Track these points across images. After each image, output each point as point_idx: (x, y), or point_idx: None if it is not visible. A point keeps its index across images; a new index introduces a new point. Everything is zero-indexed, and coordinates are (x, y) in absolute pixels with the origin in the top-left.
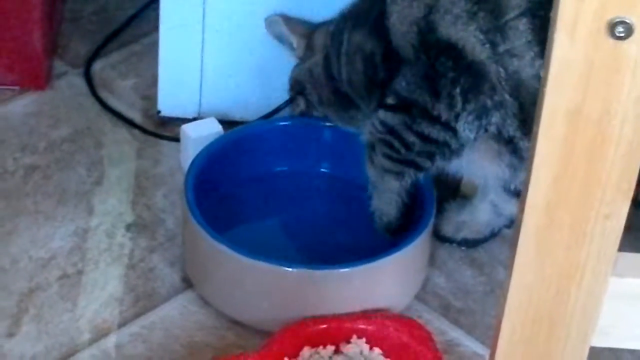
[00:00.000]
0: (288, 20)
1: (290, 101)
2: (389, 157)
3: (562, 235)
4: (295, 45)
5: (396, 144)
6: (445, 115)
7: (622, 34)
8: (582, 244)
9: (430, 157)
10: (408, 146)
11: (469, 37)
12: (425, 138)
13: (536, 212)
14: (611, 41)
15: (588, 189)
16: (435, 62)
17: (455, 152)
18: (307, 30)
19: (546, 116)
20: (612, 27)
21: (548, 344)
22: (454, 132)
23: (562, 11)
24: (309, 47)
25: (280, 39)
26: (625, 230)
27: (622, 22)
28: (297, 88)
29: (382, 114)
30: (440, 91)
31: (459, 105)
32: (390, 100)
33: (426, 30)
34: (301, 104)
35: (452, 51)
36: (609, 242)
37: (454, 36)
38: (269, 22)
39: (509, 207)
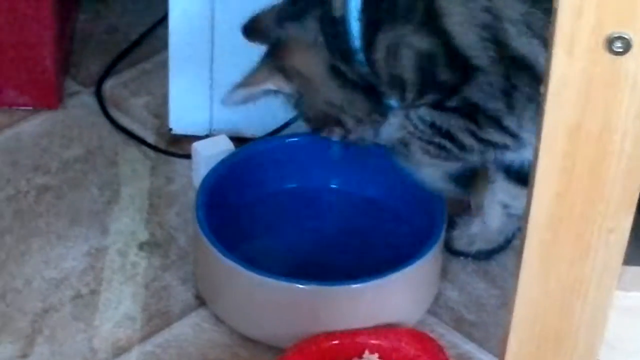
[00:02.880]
0: (240, 82)
1: (318, 131)
2: (437, 157)
3: (566, 250)
4: (275, 87)
5: (449, 145)
6: (514, 126)
7: (620, 49)
8: (586, 258)
9: (483, 155)
10: (464, 148)
11: (534, 50)
12: (486, 142)
13: (540, 228)
14: (609, 56)
15: (591, 204)
16: (511, 74)
17: (513, 151)
18: (268, 65)
19: (547, 132)
20: (610, 42)
21: (555, 358)
22: (517, 137)
23: (559, 27)
24: (290, 77)
25: (254, 98)
26: (630, 244)
27: (620, 38)
28: (321, 122)
29: (432, 115)
30: (515, 105)
31: (529, 119)
32: (452, 103)
33: (496, 40)
34: (336, 131)
35: (525, 65)
36: (613, 256)
37: (522, 50)
38: (229, 100)
39: (520, 203)
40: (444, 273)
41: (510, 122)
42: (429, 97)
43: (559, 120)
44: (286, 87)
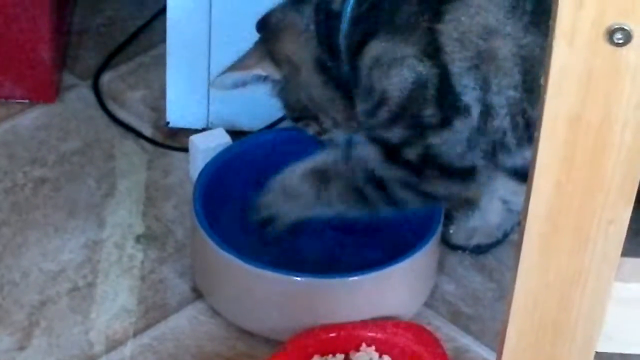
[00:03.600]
0: (230, 66)
1: (295, 121)
2: (350, 205)
3: (566, 241)
4: (264, 72)
5: (375, 196)
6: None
7: (620, 41)
8: (585, 249)
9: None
10: (394, 202)
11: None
12: (427, 195)
13: (539, 219)
14: (610, 48)
15: (590, 195)
16: (487, 120)
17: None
18: (259, 50)
19: (547, 123)
20: (610, 33)
21: (553, 349)
22: (471, 182)
23: (560, 18)
24: (280, 63)
25: (244, 84)
26: (629, 235)
27: (621, 29)
28: (299, 113)
29: (379, 164)
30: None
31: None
32: (410, 155)
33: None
34: (312, 126)
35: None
36: (612, 247)
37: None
38: (219, 84)
39: (520, 199)
40: (440, 266)
41: (473, 161)
42: (396, 132)
43: (559, 111)
44: (275, 73)
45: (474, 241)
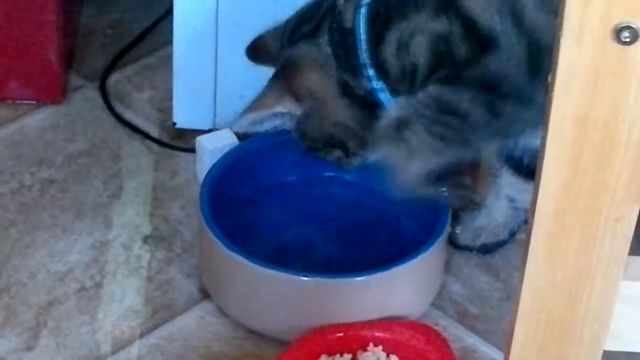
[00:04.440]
0: (250, 107)
1: (314, 151)
2: (443, 138)
3: (573, 240)
4: (285, 109)
5: (457, 123)
6: (538, 96)
7: (628, 39)
8: (592, 248)
9: (494, 136)
10: (476, 125)
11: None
12: (503, 117)
13: (546, 217)
14: (617, 46)
15: (597, 193)
16: (530, 43)
17: (527, 131)
18: (277, 88)
19: (554, 121)
20: (617, 32)
21: (561, 348)
22: (534, 106)
23: (567, 16)
24: (301, 97)
25: (262, 122)
26: (636, 234)
27: (628, 27)
28: (321, 143)
29: (441, 91)
30: (539, 73)
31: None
32: (467, 76)
33: (514, 13)
34: (335, 153)
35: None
36: (619, 246)
37: (539, 23)
38: (240, 126)
39: (526, 197)
40: (447, 266)
41: (535, 92)
42: (441, 73)
43: (566, 109)
44: (296, 109)
45: (481, 241)
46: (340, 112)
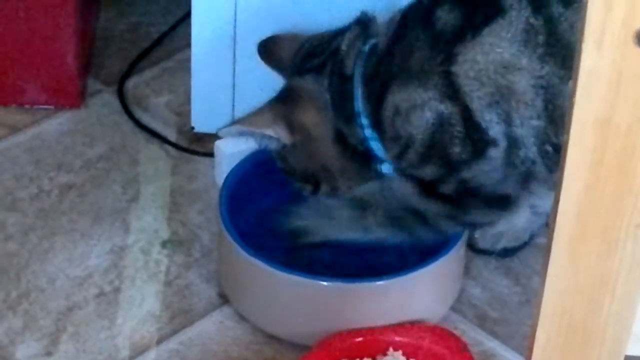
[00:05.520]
0: (242, 119)
1: (288, 177)
2: (399, 226)
3: (595, 244)
4: (275, 135)
5: (418, 223)
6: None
7: None
8: (614, 252)
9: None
10: (436, 231)
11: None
12: (468, 225)
13: (568, 221)
14: (639, 50)
15: (619, 198)
16: (516, 151)
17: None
18: (274, 112)
19: (576, 126)
20: (639, 36)
21: (583, 352)
22: (511, 208)
23: (589, 21)
24: (294, 129)
25: (251, 135)
26: None
27: None
28: (299, 176)
29: (416, 200)
30: (508, 177)
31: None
32: (446, 189)
33: (507, 122)
34: (307, 188)
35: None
36: None
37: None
38: (226, 133)
39: (547, 202)
40: (466, 270)
41: (509, 189)
42: (428, 170)
43: (588, 114)
44: (286, 138)
45: (500, 245)
46: (328, 156)
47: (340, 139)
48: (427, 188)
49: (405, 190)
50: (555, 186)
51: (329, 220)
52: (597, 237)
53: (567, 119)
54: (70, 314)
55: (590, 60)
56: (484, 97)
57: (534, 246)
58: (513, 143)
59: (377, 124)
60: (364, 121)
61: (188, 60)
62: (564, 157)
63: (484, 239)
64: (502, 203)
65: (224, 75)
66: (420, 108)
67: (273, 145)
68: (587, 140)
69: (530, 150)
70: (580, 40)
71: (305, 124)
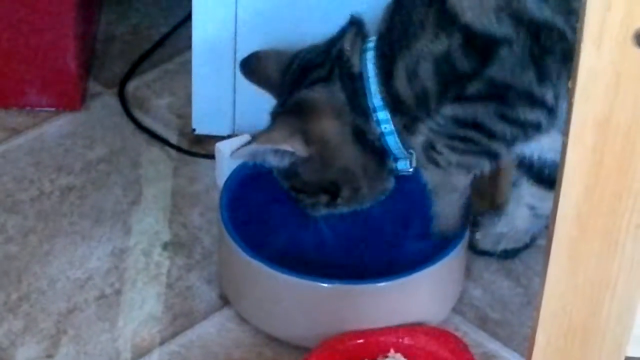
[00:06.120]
0: (256, 137)
1: (296, 192)
2: (465, 152)
3: (594, 245)
4: (291, 149)
5: (476, 136)
6: (549, 95)
7: None
8: (614, 253)
9: (513, 141)
10: (494, 135)
11: (552, 15)
12: (518, 123)
13: (567, 222)
14: (638, 50)
15: (619, 199)
16: (539, 38)
17: (545, 132)
18: (289, 126)
19: (575, 126)
20: (638, 36)
21: (583, 354)
22: (551, 111)
23: (588, 21)
24: (311, 141)
25: (263, 155)
26: None
27: None
28: (313, 187)
29: (454, 109)
30: (547, 70)
31: (565, 83)
32: (473, 90)
33: (514, 12)
34: (323, 197)
35: (553, 29)
36: None
37: (541, 15)
38: (239, 155)
39: (547, 205)
40: (467, 272)
41: (544, 92)
42: (452, 92)
43: (587, 114)
44: (302, 151)
45: (501, 246)
46: (350, 157)
47: (359, 137)
48: (462, 98)
49: (447, 110)
50: (555, 186)
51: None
52: (596, 238)
53: (566, 119)
54: (71, 316)
55: (589, 60)
56: (480, 8)
57: (535, 248)
58: (535, 30)
59: (399, 104)
60: (381, 115)
61: (189, 62)
62: (563, 157)
63: (484, 240)
64: (542, 101)
65: (224, 78)
66: (422, 58)
67: (276, 164)
68: (586, 141)
69: (546, 40)
70: (579, 40)
71: (324, 133)
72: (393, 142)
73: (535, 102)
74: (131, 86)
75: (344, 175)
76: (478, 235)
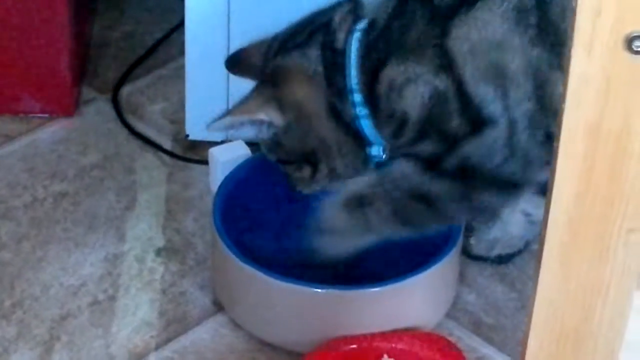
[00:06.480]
0: (232, 110)
1: (282, 164)
2: (405, 223)
3: (586, 251)
4: (267, 117)
5: (425, 210)
6: (518, 177)
7: (639, 49)
8: (606, 258)
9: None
10: (445, 217)
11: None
12: (477, 209)
13: (559, 228)
14: (629, 56)
15: (610, 204)
16: (511, 122)
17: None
18: (263, 95)
19: (566, 132)
20: (629, 41)
21: (575, 359)
22: (518, 189)
23: (578, 26)
24: (286, 108)
25: (240, 125)
26: None
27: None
28: (295, 157)
29: (421, 179)
30: (515, 153)
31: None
32: (448, 164)
33: (505, 96)
34: (306, 170)
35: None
36: (633, 257)
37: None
38: (217, 127)
39: (542, 211)
40: (461, 277)
41: (514, 172)
42: (426, 145)
43: (578, 120)
44: (279, 119)
45: (495, 252)
46: (324, 130)
47: (334, 113)
48: (429, 164)
49: (407, 169)
50: (546, 192)
51: (340, 237)
52: (588, 243)
53: (557, 125)
54: (65, 323)
55: (579, 66)
56: (478, 71)
57: (530, 253)
58: (510, 124)
59: (372, 101)
60: (357, 98)
61: (182, 68)
62: (555, 163)
63: (478, 245)
64: (508, 186)
65: (218, 83)
66: (414, 82)
67: (255, 135)
68: (577, 147)
69: (522, 134)
70: (569, 46)
71: (298, 99)
72: (367, 126)
73: (502, 185)
74: (125, 92)
75: (320, 149)
76: (472, 240)
